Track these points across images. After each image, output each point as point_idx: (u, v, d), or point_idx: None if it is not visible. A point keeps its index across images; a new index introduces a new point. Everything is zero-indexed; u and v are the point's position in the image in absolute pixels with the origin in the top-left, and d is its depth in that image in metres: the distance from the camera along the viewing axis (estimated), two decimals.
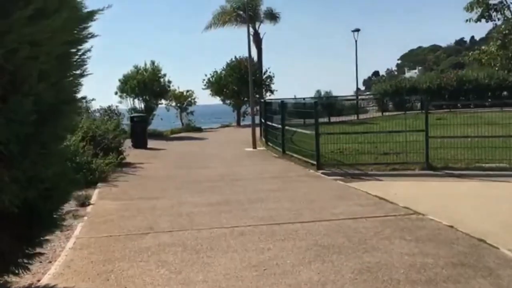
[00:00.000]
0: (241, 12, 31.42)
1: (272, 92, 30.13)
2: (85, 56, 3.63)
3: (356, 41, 30.08)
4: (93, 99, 20.72)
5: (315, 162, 11.11)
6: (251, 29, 32.39)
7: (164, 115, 26.69)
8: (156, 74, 22.12)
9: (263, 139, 17.46)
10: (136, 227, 6.42)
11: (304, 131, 12.20)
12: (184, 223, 6.57)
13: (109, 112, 21.59)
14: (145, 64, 22.26)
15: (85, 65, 3.65)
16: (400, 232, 5.76)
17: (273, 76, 30.05)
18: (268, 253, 5.10)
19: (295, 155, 12.66)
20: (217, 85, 28.83)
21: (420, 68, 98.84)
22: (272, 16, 31.84)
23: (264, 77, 29.55)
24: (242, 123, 29.77)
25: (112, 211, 7.48)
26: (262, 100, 18.10)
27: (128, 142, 17.54)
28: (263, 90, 29.52)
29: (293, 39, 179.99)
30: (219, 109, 50.90)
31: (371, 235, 5.68)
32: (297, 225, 6.28)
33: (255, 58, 30.72)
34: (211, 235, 5.92)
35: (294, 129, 13.11)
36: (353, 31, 30.03)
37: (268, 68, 30.22)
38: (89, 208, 7.72)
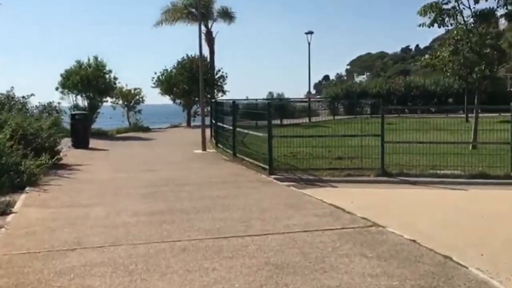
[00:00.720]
0: (193, 10, 30.52)
1: (224, 92, 29.41)
2: None
3: (309, 43, 29.87)
4: (32, 95, 19.35)
5: (267, 167, 10.52)
6: (203, 28, 31.53)
7: (111, 113, 25.39)
8: (100, 70, 20.87)
9: (213, 141, 16.73)
10: (62, 241, 5.56)
11: (256, 133, 11.59)
12: (119, 236, 5.77)
13: (49, 109, 20.21)
14: (89, 59, 20.99)
15: None
16: (360, 248, 5.22)
17: (226, 76, 29.34)
18: (214, 275, 4.41)
19: (246, 159, 12.02)
20: (167, 83, 27.77)
21: (368, 73, 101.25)
22: (227, 15, 31.12)
23: (216, 77, 28.77)
24: (192, 124, 28.80)
25: (36, 221, 6.55)
26: (213, 100, 17.35)
27: (68, 141, 16.38)
28: (215, 90, 28.75)
29: (247, 40, 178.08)
30: (169, 109, 49.45)
31: (329, 251, 5.10)
32: (247, 239, 5.62)
33: (208, 57, 29.91)
34: (149, 251, 5.17)
35: (246, 131, 12.47)
36: (307, 33, 29.79)
37: (221, 68, 29.49)
38: (10, 217, 6.74)
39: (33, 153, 10.15)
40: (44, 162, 9.76)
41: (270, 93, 35.30)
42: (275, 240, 5.55)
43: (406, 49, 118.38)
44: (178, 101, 28.83)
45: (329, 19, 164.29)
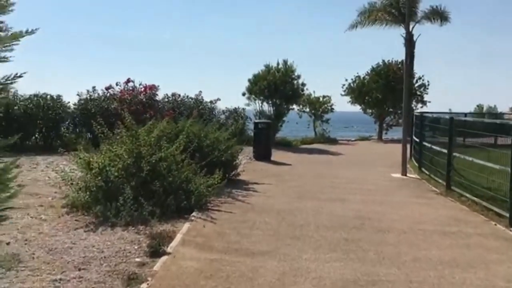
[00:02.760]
0: (393, 10, 27.48)
1: (424, 103, 25.72)
2: None
3: None
4: (218, 99, 18.91)
5: (506, 214, 7.37)
6: (403, 30, 28.37)
7: (296, 121, 24.03)
8: (289, 75, 19.44)
9: (415, 163, 13.76)
10: None
11: (489, 164, 8.35)
12: None
13: (235, 115, 19.58)
14: (278, 64, 19.72)
15: None
16: None
17: (428, 85, 25.59)
18: None
19: (467, 195, 8.94)
20: (358, 91, 25.26)
21: None
22: (438, 15, 27.26)
23: (416, 85, 25.24)
24: (384, 137, 25.92)
25: (188, 276, 4.79)
26: (418, 113, 14.32)
27: (250, 151, 15.21)
28: (414, 100, 25.31)
29: (451, 43, 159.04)
30: (355, 117, 46.68)
31: None
32: None
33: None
34: None
35: (469, 158, 9.26)
36: None
37: (422, 75, 25.72)
38: (159, 263, 5.13)
39: (207, 168, 8.75)
40: (216, 182, 8.22)
41: (479, 106, 30.13)
42: None
43: None
44: (369, 111, 26.08)
45: None
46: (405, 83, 13.00)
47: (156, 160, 7.74)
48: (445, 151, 10.25)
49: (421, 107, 25.32)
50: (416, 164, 13.38)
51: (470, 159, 8.98)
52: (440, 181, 10.56)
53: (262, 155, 14.56)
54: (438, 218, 7.67)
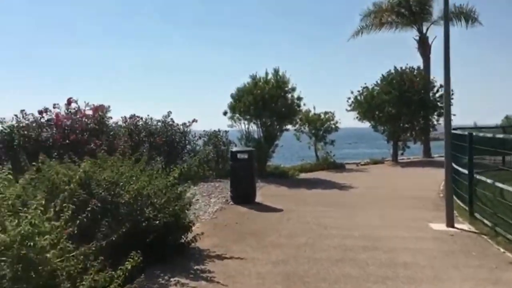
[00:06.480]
0: (403, 10, 23.79)
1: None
2: None
3: None
4: (194, 120, 14.90)
5: None
6: (415, 32, 24.67)
7: (293, 144, 20.00)
8: (280, 87, 15.43)
9: (459, 202, 9.64)
10: None
11: None
12: None
13: (215, 140, 15.62)
14: (266, 74, 15.71)
15: None
16: None
17: (452, 95, 21.55)
18: None
19: None
20: (367, 105, 21.15)
21: None
22: (463, 15, 23.94)
23: (437, 95, 21.14)
24: (399, 158, 21.86)
25: None
26: (462, 131, 10.01)
27: (227, 189, 11.24)
28: (435, 114, 21.30)
29: (475, 46, 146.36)
30: (360, 132, 42.42)
31: None
32: None
33: (422, 70, 22.76)
34: None
35: None
36: None
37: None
38: None
39: (127, 245, 4.73)
40: (120, 284, 4.15)
41: (508, 117, 26.11)
42: None
43: None
44: (381, 128, 21.95)
45: None
46: (445, 95, 9.03)
47: None
48: None
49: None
50: (463, 206, 9.27)
51: None
52: None
53: (242, 197, 10.49)
54: None
